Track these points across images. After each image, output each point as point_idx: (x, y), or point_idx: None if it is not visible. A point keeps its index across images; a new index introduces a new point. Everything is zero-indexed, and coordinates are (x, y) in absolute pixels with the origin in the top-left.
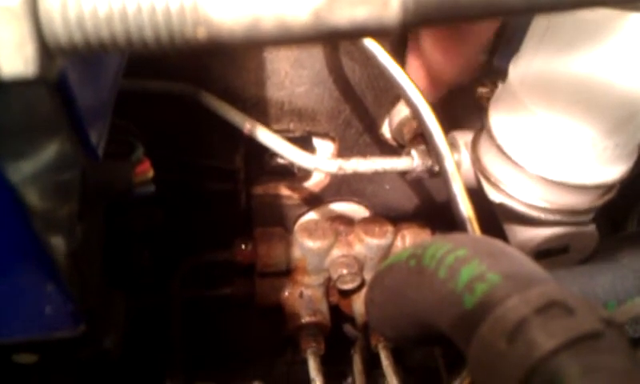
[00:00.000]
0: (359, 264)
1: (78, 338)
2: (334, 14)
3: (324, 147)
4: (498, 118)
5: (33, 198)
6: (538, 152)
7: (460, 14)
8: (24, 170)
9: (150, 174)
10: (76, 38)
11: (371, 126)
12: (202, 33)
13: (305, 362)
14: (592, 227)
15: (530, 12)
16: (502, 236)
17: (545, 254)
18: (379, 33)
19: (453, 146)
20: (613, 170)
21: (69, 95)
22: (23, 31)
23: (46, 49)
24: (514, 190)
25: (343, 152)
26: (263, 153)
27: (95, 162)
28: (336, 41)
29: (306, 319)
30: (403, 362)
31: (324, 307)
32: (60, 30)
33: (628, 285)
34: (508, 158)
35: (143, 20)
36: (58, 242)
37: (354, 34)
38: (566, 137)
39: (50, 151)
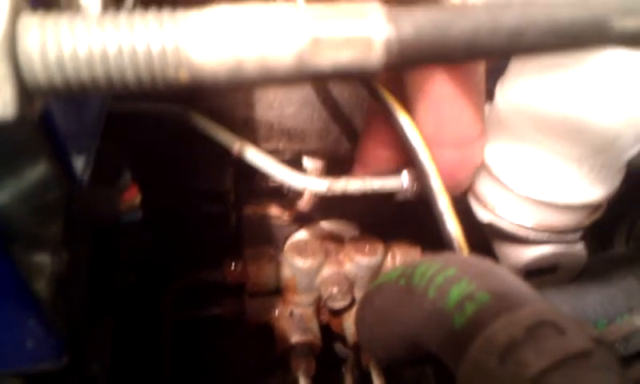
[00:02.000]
0: (349, 283)
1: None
2: (317, 57)
3: (313, 167)
4: (485, 138)
5: (14, 224)
6: (526, 172)
7: (443, 56)
8: (4, 195)
9: (138, 199)
10: (56, 80)
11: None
12: (184, 75)
13: (296, 382)
14: (580, 246)
15: (512, 54)
16: (491, 255)
17: (534, 273)
18: (363, 74)
19: None
20: (600, 190)
21: (52, 128)
22: (1, 73)
23: (25, 91)
24: (502, 209)
25: (332, 172)
26: (253, 173)
27: (81, 189)
28: (319, 82)
29: (296, 339)
30: (395, 381)
31: (314, 326)
32: (39, 72)
33: (617, 303)
34: (495, 178)
35: (124, 62)
36: (42, 268)
37: (337, 76)
38: (552, 157)
39: (31, 177)
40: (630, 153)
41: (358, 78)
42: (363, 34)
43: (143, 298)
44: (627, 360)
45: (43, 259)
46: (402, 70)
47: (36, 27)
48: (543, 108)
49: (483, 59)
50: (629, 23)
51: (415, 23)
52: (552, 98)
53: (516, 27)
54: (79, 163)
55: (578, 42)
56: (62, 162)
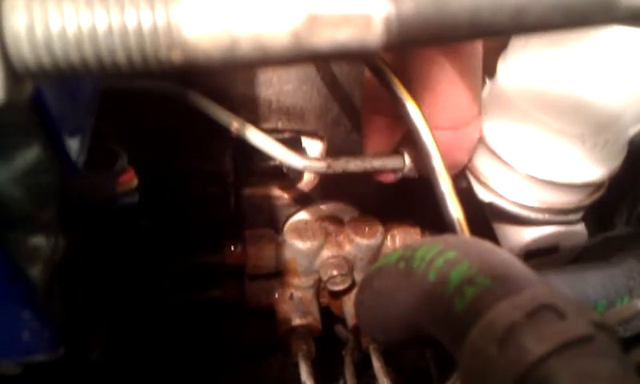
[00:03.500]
0: (349, 265)
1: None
2: (314, 36)
3: (313, 146)
4: (486, 116)
5: (7, 208)
6: (528, 150)
7: (444, 35)
8: None
9: (134, 183)
10: (44, 61)
11: (360, 125)
12: (176, 55)
13: (296, 365)
14: (581, 226)
15: (517, 32)
16: (492, 236)
17: (534, 253)
18: (361, 54)
19: None
20: (602, 168)
21: (44, 110)
22: None
23: (13, 73)
24: (504, 189)
25: (332, 151)
26: (252, 153)
27: (76, 173)
28: (317, 62)
29: (296, 321)
30: (394, 364)
31: (314, 309)
32: (27, 54)
33: (618, 284)
34: (497, 156)
35: (114, 42)
36: (37, 253)
37: (335, 56)
38: (555, 135)
39: (24, 159)
40: (632, 131)
41: (358, 57)
42: (361, 11)
43: (142, 281)
44: (627, 342)
45: (38, 244)
46: (402, 50)
47: (22, 8)
48: (546, 85)
49: (486, 38)
50: None
51: (416, 4)
52: (555, 74)
53: (519, 3)
54: (74, 145)
55: (584, 18)
56: (55, 144)
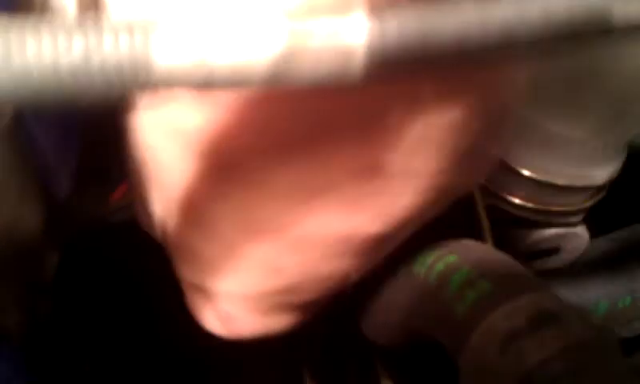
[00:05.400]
0: None
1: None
2: (293, 67)
3: None
4: None
5: None
6: (528, 153)
7: (430, 65)
8: None
9: (128, 197)
10: (19, 93)
11: None
12: (149, 88)
13: (298, 370)
14: (582, 228)
15: (507, 58)
16: (493, 238)
17: (535, 255)
18: (343, 86)
19: None
20: (602, 171)
21: (26, 137)
22: None
23: None
24: (504, 191)
25: None
26: None
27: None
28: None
29: (300, 327)
30: (398, 370)
31: (317, 314)
32: (3, 83)
33: (619, 286)
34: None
35: (91, 73)
36: (25, 267)
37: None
38: (554, 137)
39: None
40: (632, 133)
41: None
42: (342, 42)
43: (143, 295)
44: (629, 342)
45: (25, 258)
46: (385, 82)
47: None
48: (544, 88)
49: (473, 66)
50: (630, 8)
51: (400, 29)
52: (556, 77)
53: (507, 26)
54: (57, 177)
55: (575, 37)
56: (40, 172)
